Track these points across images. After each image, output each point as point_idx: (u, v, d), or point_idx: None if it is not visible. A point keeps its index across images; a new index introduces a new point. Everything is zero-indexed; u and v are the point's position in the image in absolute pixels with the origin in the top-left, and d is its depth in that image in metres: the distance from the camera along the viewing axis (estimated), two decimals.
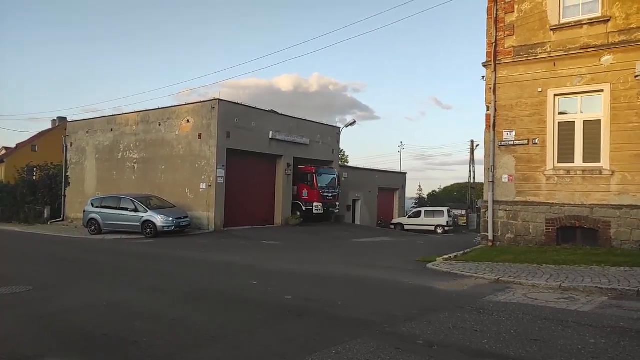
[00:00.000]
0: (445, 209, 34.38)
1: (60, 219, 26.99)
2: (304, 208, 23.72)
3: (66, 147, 27.44)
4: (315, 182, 23.74)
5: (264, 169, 23.51)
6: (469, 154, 45.51)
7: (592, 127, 11.97)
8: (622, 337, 5.12)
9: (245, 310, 6.46)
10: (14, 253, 14.21)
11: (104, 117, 26.19)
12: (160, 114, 22.73)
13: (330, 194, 24.49)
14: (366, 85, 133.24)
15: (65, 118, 35.88)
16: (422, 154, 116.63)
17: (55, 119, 47.79)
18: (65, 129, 28.48)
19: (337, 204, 25.36)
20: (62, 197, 27.39)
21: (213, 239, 17.80)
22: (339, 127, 28.89)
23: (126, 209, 19.14)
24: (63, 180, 27.45)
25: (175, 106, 22.61)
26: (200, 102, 21.60)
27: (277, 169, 23.95)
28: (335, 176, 25.63)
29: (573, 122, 12.26)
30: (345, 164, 42.48)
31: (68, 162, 27.30)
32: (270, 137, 22.72)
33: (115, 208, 19.48)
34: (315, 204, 23.58)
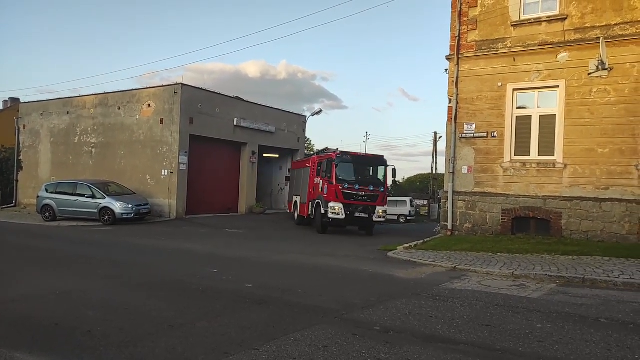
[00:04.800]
0: (408, 199, 35.10)
1: (12, 205, 25.81)
2: (322, 210, 16.22)
3: (19, 129, 26.17)
4: (333, 173, 16.12)
5: (228, 157, 23.21)
6: (432, 145, 46.45)
7: (547, 122, 12.43)
8: (567, 322, 5.40)
9: (204, 299, 6.40)
10: None
11: (60, 99, 25.09)
12: (120, 97, 21.99)
13: (362, 193, 16.20)
14: (335, 74, 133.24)
15: (18, 99, 34.18)
16: (388, 144, 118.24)
17: (7, 99, 45.37)
18: (18, 111, 27.14)
19: (381, 208, 16.51)
20: (15, 181, 26.19)
21: (174, 226, 17.48)
22: (305, 116, 28.85)
23: (83, 195, 18.50)
24: (15, 164, 26.23)
25: (136, 89, 21.91)
26: (163, 86, 21.04)
27: (242, 156, 23.70)
28: (380, 167, 17.24)
29: (530, 117, 12.69)
30: (311, 152, 42.49)
31: (21, 145, 26.07)
32: (235, 124, 22.42)
33: (72, 194, 18.78)
34: (331, 204, 15.87)
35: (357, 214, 16.22)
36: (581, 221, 11.73)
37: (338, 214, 15.91)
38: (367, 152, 17.48)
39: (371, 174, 17.23)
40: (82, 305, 5.98)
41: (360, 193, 16.28)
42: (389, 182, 17.15)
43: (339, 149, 17.47)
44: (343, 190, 16.07)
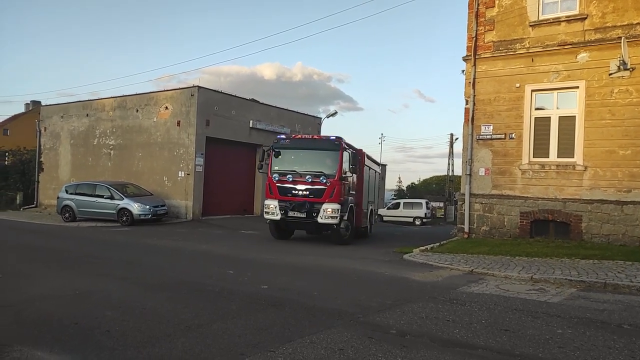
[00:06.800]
0: (423, 201, 34.83)
1: (34, 205, 26.39)
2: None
3: (40, 131, 26.76)
4: (270, 163, 13.51)
5: (244, 158, 23.36)
6: (449, 147, 46.05)
7: (567, 123, 12.21)
8: (588, 327, 5.28)
9: (220, 300, 6.43)
10: None
11: (80, 101, 25.62)
12: (138, 100, 22.32)
13: (303, 187, 12.91)
14: (350, 76, 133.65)
15: (39, 102, 35.03)
16: (403, 146, 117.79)
17: (29, 102, 46.57)
18: (39, 113, 27.77)
19: (330, 206, 12.67)
20: (36, 183, 26.76)
21: (190, 227, 17.63)
22: (320, 118, 28.86)
23: (102, 196, 18.81)
24: (36, 166, 26.80)
25: (153, 92, 22.25)
26: (180, 88, 21.29)
27: (257, 158, 23.79)
28: (331, 152, 13.16)
29: (549, 118, 12.49)
30: None
31: (42, 147, 26.65)
32: (251, 126, 22.57)
33: (91, 195, 19.12)
34: (265, 202, 13.44)
35: (290, 214, 12.94)
36: (602, 224, 11.48)
37: (272, 213, 13.06)
38: (318, 135, 13.43)
39: (321, 161, 13.24)
40: (101, 305, 6.05)
41: (296, 187, 12.97)
42: (349, 171, 13.38)
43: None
44: (277, 184, 13.13)
